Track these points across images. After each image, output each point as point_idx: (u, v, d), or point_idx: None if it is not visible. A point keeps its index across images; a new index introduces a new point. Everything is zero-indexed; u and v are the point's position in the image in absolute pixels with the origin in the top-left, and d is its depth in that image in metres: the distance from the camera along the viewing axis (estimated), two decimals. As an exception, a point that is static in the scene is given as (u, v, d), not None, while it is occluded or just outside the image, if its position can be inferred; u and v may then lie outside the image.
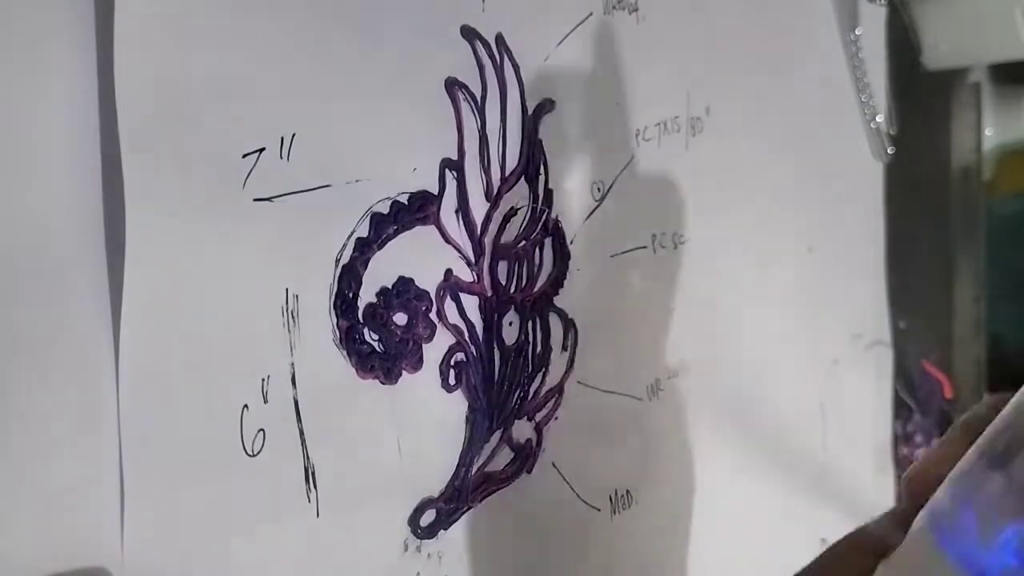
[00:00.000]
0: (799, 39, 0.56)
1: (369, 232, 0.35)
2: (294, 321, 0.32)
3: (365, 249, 0.34)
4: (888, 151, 0.63)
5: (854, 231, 0.61)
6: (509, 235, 0.39)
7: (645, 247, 0.45)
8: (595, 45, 0.42)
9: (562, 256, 0.41)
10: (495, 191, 0.39)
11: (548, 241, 0.41)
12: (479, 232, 0.38)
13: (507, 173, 0.39)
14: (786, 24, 0.54)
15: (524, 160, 0.40)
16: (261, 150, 0.31)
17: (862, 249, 0.62)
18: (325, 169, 0.33)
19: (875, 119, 0.61)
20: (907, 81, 0.69)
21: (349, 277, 0.34)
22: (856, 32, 0.58)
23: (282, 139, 0.31)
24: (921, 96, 0.73)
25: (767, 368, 0.54)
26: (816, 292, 0.56)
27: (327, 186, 0.33)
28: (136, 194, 0.27)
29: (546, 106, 0.41)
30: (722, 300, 0.50)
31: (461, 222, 0.37)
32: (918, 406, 0.74)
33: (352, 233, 0.34)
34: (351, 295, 0.34)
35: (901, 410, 0.73)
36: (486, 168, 0.38)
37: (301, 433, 0.32)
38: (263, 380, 0.31)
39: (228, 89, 0.30)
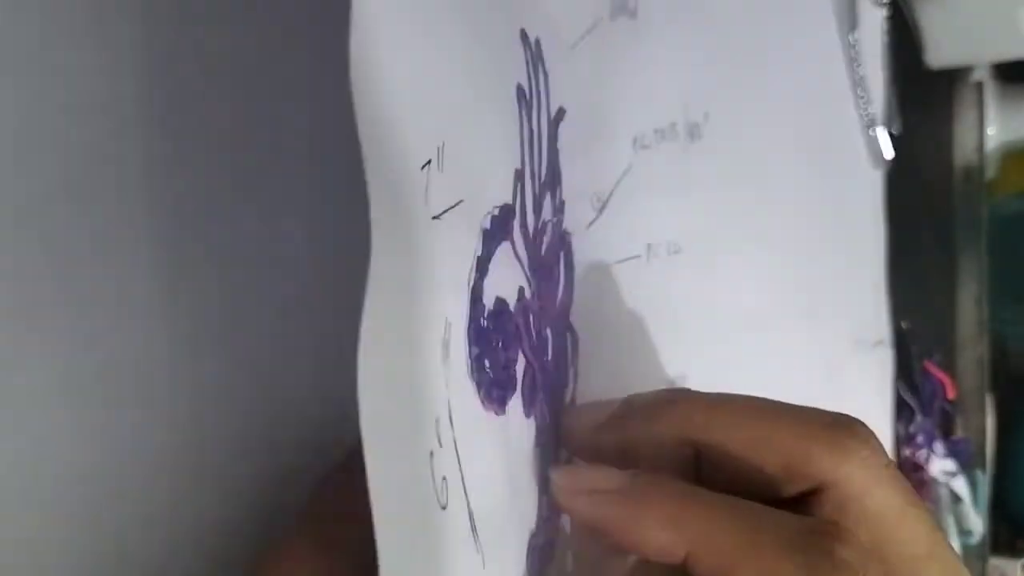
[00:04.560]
0: (797, 43, 0.55)
1: (482, 250, 0.32)
2: (446, 353, 0.29)
3: (482, 269, 0.32)
4: (886, 158, 0.62)
5: (854, 235, 0.61)
6: (542, 249, 0.37)
7: (640, 256, 0.44)
8: (598, 51, 0.42)
9: (570, 269, 0.40)
10: (537, 204, 0.36)
11: (562, 254, 0.39)
12: (535, 247, 0.36)
13: (541, 184, 0.37)
14: (784, 28, 0.54)
15: (551, 171, 0.37)
16: (428, 162, 0.28)
17: (862, 252, 0.62)
18: (460, 181, 0.30)
19: (873, 126, 0.60)
20: (909, 80, 0.68)
21: (476, 300, 0.31)
22: (855, 35, 0.58)
23: (438, 148, 0.29)
24: (924, 95, 0.73)
25: (767, 372, 0.53)
26: (816, 294, 0.56)
27: (461, 201, 0.30)
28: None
29: (560, 114, 0.38)
30: (721, 307, 0.49)
31: (522, 237, 0.34)
32: (920, 407, 0.74)
33: (474, 252, 0.31)
34: (481, 319, 0.32)
35: (903, 411, 0.73)
36: (533, 179, 0.36)
37: (462, 478, 0.29)
38: (436, 421, 0.28)
39: (410, 94, 0.27)
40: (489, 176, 0.32)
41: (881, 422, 0.69)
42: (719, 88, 0.48)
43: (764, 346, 0.52)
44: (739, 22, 0.50)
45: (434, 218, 0.28)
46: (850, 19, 0.58)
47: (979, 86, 0.77)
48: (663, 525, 0.29)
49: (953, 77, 0.76)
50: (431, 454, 0.27)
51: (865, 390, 0.67)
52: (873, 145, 0.59)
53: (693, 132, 0.46)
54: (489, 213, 0.32)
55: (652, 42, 0.45)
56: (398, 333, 0.26)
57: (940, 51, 0.73)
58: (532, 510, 0.35)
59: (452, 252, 0.29)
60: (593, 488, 0.31)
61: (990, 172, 0.78)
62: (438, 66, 0.29)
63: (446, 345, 0.29)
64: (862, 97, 0.58)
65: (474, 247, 0.31)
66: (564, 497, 0.33)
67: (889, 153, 0.61)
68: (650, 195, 0.44)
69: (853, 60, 0.58)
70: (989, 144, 0.77)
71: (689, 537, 0.28)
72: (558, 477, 0.33)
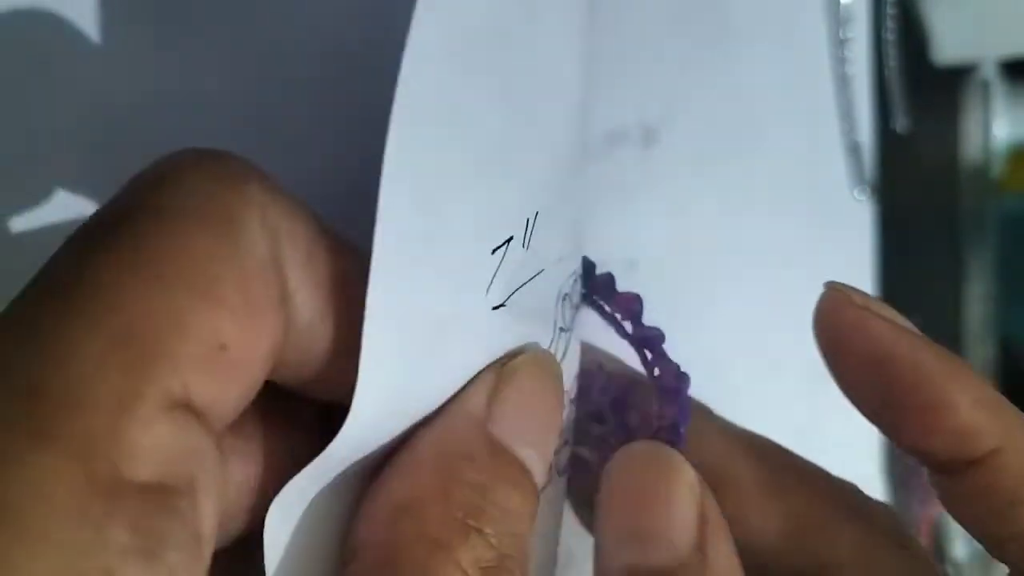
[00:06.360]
0: (776, 31, 0.51)
1: (565, 319, 0.26)
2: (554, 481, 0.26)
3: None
4: (868, 184, 0.60)
5: (838, 248, 0.58)
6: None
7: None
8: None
9: None
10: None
11: None
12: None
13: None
14: (761, 14, 0.50)
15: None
16: (509, 240, 0.22)
17: (848, 264, 0.60)
18: (542, 247, 0.24)
19: (856, 147, 0.58)
20: (915, 77, 0.67)
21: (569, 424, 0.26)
22: (844, 32, 0.56)
23: (527, 221, 0.23)
24: (930, 93, 0.72)
25: (744, 402, 0.51)
26: (794, 316, 0.54)
27: (541, 271, 0.24)
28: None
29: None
30: (685, 331, 0.46)
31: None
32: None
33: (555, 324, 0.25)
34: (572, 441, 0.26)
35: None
36: None
37: None
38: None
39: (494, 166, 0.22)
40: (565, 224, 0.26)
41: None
42: (679, 84, 0.44)
43: (735, 374, 0.49)
44: (705, 10, 0.46)
45: (495, 308, 0.22)
46: (838, 10, 0.56)
47: (986, 84, 0.75)
48: None
49: (959, 75, 0.75)
50: None
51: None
52: (853, 166, 0.58)
53: (649, 136, 0.43)
54: (575, 275, 0.27)
55: (607, 35, 0.40)
56: None
57: (947, 48, 0.72)
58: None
59: (512, 343, 0.24)
60: None
61: (997, 170, 0.77)
62: None
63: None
64: (845, 115, 0.57)
65: (555, 319, 0.26)
66: None
67: (873, 168, 0.60)
68: (597, 208, 0.41)
69: (840, 58, 0.56)
70: (996, 142, 0.76)
71: None
72: None
